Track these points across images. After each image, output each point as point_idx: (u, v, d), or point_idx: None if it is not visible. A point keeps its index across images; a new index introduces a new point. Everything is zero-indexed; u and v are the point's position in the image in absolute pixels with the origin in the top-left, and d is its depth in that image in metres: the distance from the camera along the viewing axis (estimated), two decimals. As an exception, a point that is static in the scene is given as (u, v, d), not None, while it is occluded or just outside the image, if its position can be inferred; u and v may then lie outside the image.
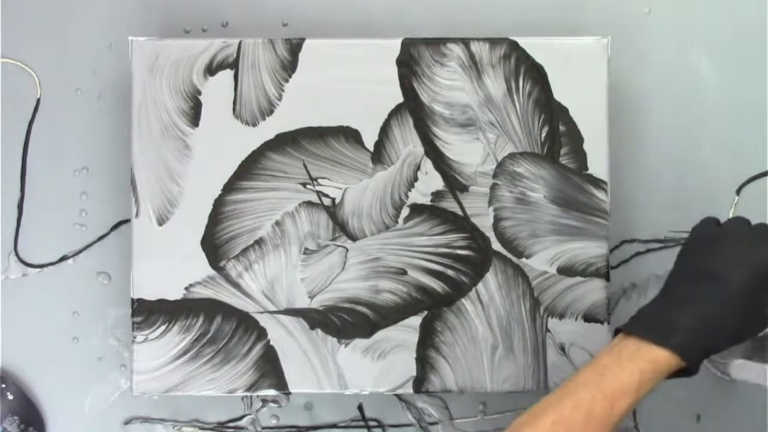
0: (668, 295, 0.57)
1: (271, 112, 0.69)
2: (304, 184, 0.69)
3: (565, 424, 0.52)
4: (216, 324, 0.69)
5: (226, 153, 0.69)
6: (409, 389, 0.69)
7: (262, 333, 0.69)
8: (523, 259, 0.69)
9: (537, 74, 0.69)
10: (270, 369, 0.69)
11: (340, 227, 0.69)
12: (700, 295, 0.55)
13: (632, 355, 0.54)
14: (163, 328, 0.69)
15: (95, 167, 0.75)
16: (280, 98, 0.69)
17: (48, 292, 0.75)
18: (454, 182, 0.69)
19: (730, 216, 0.75)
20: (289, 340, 0.69)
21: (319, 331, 0.69)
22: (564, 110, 0.69)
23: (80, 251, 0.75)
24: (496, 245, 0.69)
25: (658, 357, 0.54)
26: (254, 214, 0.69)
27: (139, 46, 0.69)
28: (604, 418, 0.52)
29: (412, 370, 0.69)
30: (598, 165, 0.69)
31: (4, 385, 0.74)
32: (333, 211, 0.69)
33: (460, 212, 0.69)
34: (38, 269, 0.75)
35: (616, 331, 0.57)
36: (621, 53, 0.74)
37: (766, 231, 0.57)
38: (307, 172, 0.69)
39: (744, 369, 0.63)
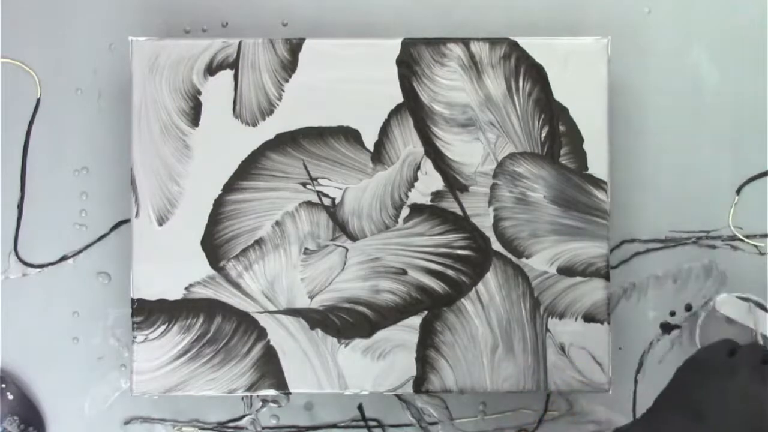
0: (650, 424, 0.52)
1: (271, 112, 0.69)
2: (304, 184, 0.69)
3: None
4: (216, 324, 0.69)
5: (226, 153, 0.69)
6: (409, 389, 0.69)
7: (262, 333, 0.69)
8: (523, 259, 0.69)
9: (537, 74, 0.69)
10: (270, 369, 0.69)
11: (340, 227, 0.69)
12: None
13: None
14: (163, 328, 0.69)
15: (95, 167, 0.75)
16: (280, 98, 0.69)
17: (48, 292, 0.75)
18: (454, 182, 0.69)
19: (730, 216, 0.75)
20: (289, 340, 0.69)
21: (319, 331, 0.69)
22: (564, 110, 0.69)
23: (80, 251, 0.75)
24: (496, 245, 0.69)
25: None
26: (254, 214, 0.69)
27: (139, 46, 0.69)
28: None
29: (412, 370, 0.69)
30: (598, 165, 0.69)
31: (4, 385, 0.74)
32: (333, 211, 0.69)
33: (460, 212, 0.69)
34: (38, 269, 0.75)
35: None
36: (621, 53, 0.74)
37: None
38: (307, 172, 0.69)
39: (728, 304, 0.63)
